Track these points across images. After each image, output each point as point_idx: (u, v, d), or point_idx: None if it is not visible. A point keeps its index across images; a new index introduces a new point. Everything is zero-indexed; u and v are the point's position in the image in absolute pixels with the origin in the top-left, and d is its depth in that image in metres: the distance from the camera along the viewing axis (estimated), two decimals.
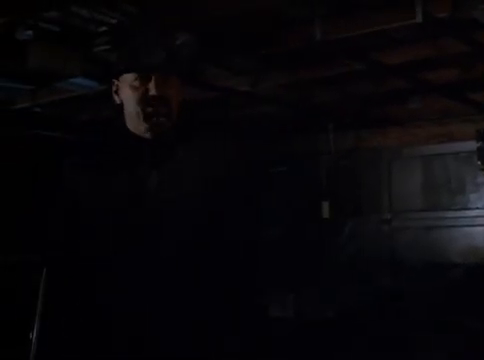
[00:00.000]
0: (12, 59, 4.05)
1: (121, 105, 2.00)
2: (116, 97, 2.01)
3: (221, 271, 1.93)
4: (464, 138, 6.15)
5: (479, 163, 6.02)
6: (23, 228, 5.22)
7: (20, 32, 4.07)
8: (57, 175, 2.03)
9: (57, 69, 3.88)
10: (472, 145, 6.05)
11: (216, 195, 1.95)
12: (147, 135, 1.96)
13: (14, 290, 4.50)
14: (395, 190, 6.62)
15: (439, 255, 6.26)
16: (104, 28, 4.15)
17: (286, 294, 5.90)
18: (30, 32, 4.03)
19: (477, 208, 6.26)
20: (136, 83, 1.92)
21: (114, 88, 2.01)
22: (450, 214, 6.33)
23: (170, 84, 1.95)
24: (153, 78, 1.91)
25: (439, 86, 5.23)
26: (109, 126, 2.10)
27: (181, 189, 1.92)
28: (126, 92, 1.95)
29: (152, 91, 1.90)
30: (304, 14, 3.60)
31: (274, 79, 5.20)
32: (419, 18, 3.28)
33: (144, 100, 1.91)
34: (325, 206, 6.35)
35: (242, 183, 2.06)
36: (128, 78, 1.94)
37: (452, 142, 6.25)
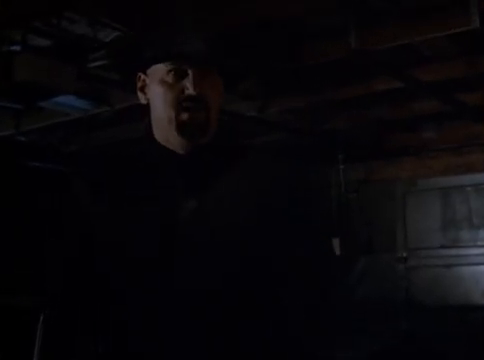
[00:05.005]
0: None
1: (147, 106, 1.61)
2: (141, 95, 1.62)
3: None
4: None
5: None
6: (21, 267, 4.91)
7: (6, 44, 3.69)
8: (61, 207, 1.70)
9: (47, 84, 3.44)
10: None
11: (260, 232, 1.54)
12: (181, 150, 1.55)
13: (11, 335, 4.11)
14: (411, 226, 6.25)
15: (460, 296, 5.89)
16: (101, 42, 3.77)
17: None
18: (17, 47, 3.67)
19: None
20: (169, 78, 1.53)
21: (139, 84, 1.62)
22: (472, 251, 5.95)
23: (210, 83, 1.54)
24: (191, 73, 1.51)
25: (463, 110, 4.87)
26: (129, 143, 1.69)
27: (220, 224, 1.52)
28: (156, 90, 1.55)
29: (189, 89, 1.50)
30: (338, 23, 3.22)
31: (283, 103, 4.87)
32: (476, 23, 2.88)
33: (178, 101, 1.51)
34: (335, 243, 5.91)
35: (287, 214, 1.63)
36: (159, 71, 1.54)
37: (472, 173, 5.91)
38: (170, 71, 1.52)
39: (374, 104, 5.09)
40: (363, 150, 6.08)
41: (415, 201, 6.26)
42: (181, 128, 1.51)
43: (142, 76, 1.60)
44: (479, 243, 5.96)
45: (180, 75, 1.52)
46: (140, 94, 1.62)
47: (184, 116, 1.50)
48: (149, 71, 1.57)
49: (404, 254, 6.24)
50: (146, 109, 1.62)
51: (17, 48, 3.68)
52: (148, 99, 1.60)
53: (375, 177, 6.33)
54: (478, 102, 4.83)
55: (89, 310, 1.57)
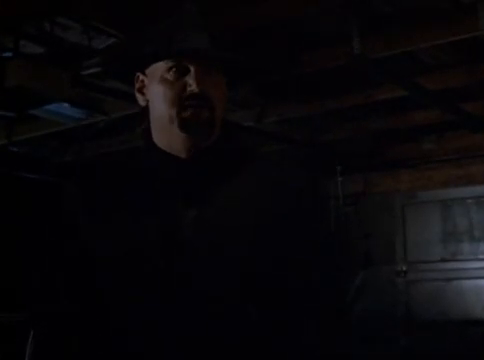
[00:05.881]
0: None
1: (146, 110, 1.51)
2: (140, 97, 1.53)
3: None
4: None
5: None
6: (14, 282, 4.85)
7: None
8: (56, 218, 1.60)
9: (39, 90, 3.35)
10: None
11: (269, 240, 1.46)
12: (183, 152, 1.46)
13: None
14: (410, 238, 6.14)
15: (460, 310, 5.79)
16: (94, 49, 3.70)
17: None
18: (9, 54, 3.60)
19: None
20: (170, 75, 1.44)
21: (138, 85, 1.53)
22: (472, 265, 5.84)
23: (213, 81, 1.46)
24: (193, 69, 1.42)
25: (463, 119, 4.79)
26: (126, 152, 1.62)
27: (221, 230, 1.44)
28: (156, 89, 1.46)
29: (192, 86, 1.41)
30: (339, 30, 3.15)
31: (281, 113, 4.80)
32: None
33: (180, 99, 1.42)
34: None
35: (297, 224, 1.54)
36: (159, 70, 1.45)
37: (473, 185, 5.81)
38: (171, 68, 1.44)
39: (373, 114, 5.02)
40: (362, 161, 5.99)
41: (415, 214, 6.16)
42: (184, 125, 1.43)
43: (140, 76, 1.52)
44: (480, 256, 5.86)
45: (181, 72, 1.44)
46: (138, 96, 1.53)
47: (186, 113, 1.42)
48: (148, 71, 1.49)
49: (404, 267, 6.14)
50: (144, 115, 1.53)
51: (9, 54, 3.62)
52: (147, 100, 1.51)
53: (374, 189, 6.23)
54: (479, 111, 4.76)
55: (88, 316, 1.50)
